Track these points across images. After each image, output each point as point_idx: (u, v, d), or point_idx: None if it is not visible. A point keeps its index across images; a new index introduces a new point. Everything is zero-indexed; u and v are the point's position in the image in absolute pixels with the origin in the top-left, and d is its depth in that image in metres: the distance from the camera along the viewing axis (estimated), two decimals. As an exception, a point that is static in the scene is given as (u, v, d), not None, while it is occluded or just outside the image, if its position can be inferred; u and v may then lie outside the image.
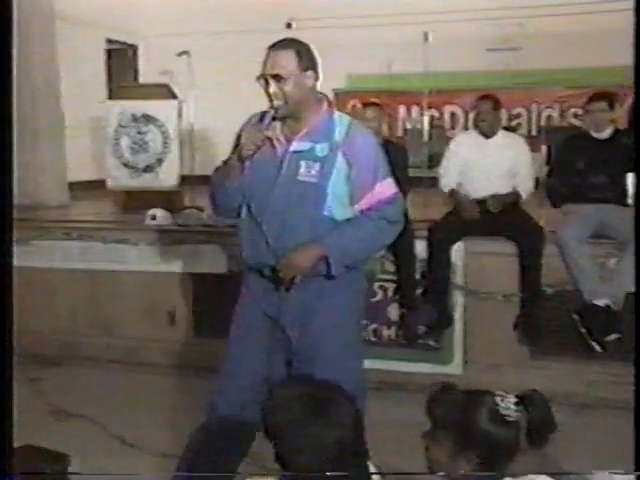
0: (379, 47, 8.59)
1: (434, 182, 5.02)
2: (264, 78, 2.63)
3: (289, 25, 9.05)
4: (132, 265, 5.26)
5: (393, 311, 4.81)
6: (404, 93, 8.69)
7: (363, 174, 2.65)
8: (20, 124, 6.46)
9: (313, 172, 2.63)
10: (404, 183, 4.86)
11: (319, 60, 2.70)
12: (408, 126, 8.98)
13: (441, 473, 1.66)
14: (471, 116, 6.66)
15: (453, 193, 4.71)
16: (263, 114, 2.74)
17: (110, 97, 7.68)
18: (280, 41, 2.67)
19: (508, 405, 1.60)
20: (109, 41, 9.55)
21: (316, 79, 2.68)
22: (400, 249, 4.53)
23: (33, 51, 6.54)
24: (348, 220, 2.68)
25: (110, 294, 5.38)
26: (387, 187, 2.71)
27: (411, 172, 4.93)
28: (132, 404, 4.47)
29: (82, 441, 3.82)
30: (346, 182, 2.65)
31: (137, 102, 6.22)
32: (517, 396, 1.63)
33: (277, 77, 2.60)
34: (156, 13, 9.23)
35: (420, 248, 4.64)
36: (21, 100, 6.49)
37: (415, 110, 8.79)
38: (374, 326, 4.82)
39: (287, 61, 2.60)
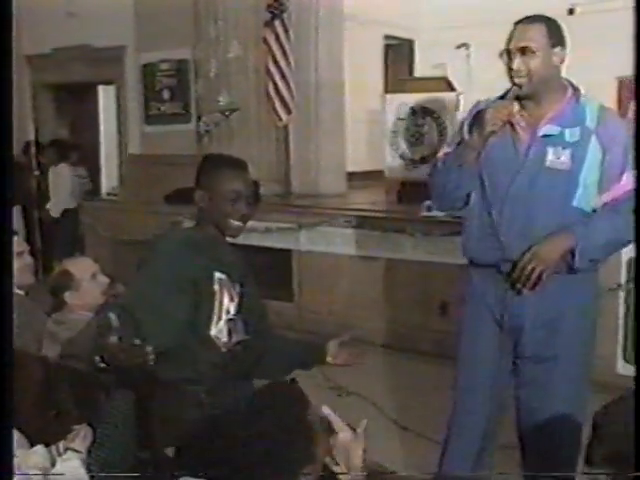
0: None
1: None
2: (508, 53, 2.47)
3: (571, 11, 8.61)
4: (407, 254, 5.37)
5: None
6: None
7: (616, 161, 2.44)
8: (304, 116, 6.87)
9: (563, 159, 2.44)
10: None
11: (568, 39, 2.51)
12: None
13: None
14: None
15: None
16: (501, 97, 2.57)
17: (386, 91, 7.85)
18: (529, 16, 2.52)
19: None
20: (387, 37, 9.79)
21: (563, 60, 2.49)
22: None
23: (321, 50, 6.91)
24: (595, 212, 2.48)
25: (384, 281, 5.55)
26: (632, 178, 2.42)
27: None
28: (404, 388, 4.58)
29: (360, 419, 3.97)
30: (598, 169, 2.44)
31: (417, 95, 6.27)
32: None
33: (524, 50, 2.43)
34: (432, 7, 9.29)
35: None
36: (308, 93, 6.89)
37: None
38: None
39: (537, 34, 2.45)
